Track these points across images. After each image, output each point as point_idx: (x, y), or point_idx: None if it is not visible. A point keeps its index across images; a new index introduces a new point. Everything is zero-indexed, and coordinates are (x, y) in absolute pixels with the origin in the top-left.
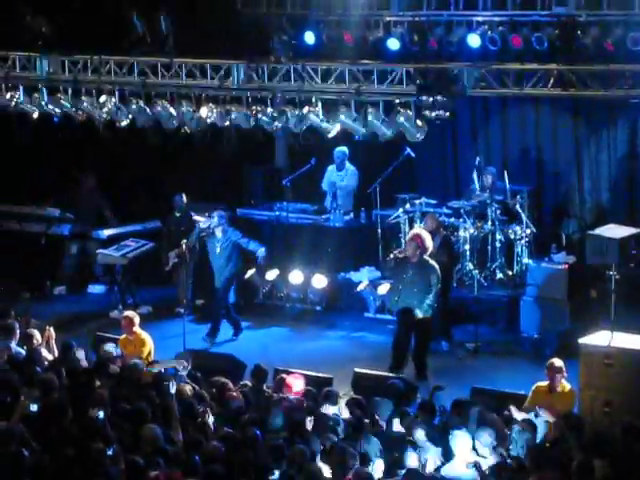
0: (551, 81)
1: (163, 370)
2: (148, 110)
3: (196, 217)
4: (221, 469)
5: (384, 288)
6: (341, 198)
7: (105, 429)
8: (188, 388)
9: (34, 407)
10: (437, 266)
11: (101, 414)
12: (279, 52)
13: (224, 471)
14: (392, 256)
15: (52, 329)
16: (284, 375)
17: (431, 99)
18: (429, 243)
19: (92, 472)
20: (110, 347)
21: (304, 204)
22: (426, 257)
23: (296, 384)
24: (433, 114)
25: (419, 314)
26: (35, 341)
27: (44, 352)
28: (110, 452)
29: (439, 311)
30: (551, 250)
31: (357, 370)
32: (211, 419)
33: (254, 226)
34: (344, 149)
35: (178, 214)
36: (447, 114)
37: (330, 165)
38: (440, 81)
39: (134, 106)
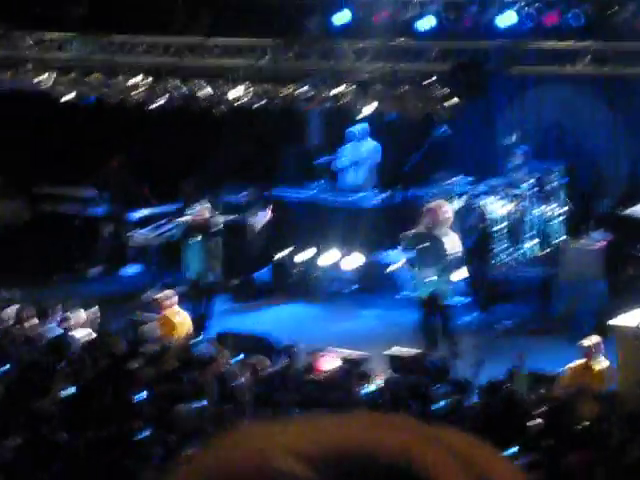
0: (587, 58)
1: (200, 349)
2: (184, 89)
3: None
4: None
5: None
6: (363, 173)
7: (143, 410)
8: (225, 366)
9: (71, 389)
10: (454, 238)
11: (140, 395)
12: (314, 31)
13: None
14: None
15: (91, 310)
16: (319, 355)
17: (466, 77)
18: (448, 215)
19: (129, 453)
20: (148, 328)
21: (338, 183)
22: (442, 230)
23: (331, 363)
24: (467, 92)
25: (441, 292)
26: (74, 323)
27: (83, 333)
28: (147, 433)
29: (476, 288)
30: (587, 228)
31: (392, 349)
32: (247, 397)
33: (288, 206)
34: (364, 125)
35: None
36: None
37: (348, 143)
38: (475, 59)
39: (169, 86)
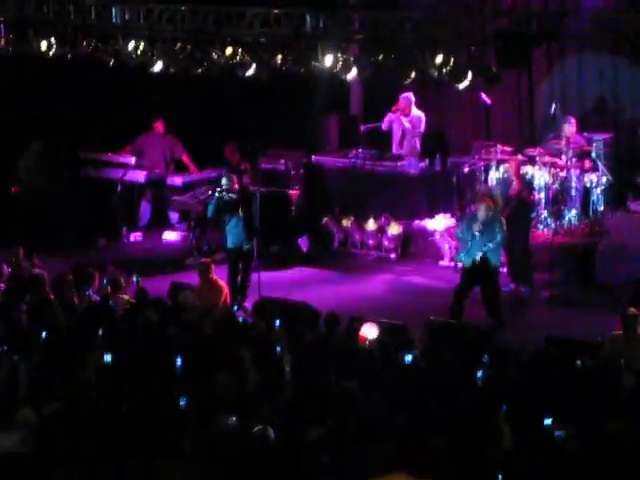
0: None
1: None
2: (223, 59)
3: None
4: (295, 416)
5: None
6: (408, 142)
7: (180, 378)
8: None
9: (108, 357)
10: (504, 223)
11: (178, 362)
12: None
13: (298, 418)
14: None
15: (132, 276)
16: (358, 323)
17: (507, 46)
18: (500, 201)
19: (165, 422)
20: (187, 295)
21: (380, 151)
22: (496, 215)
23: (372, 332)
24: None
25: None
26: (118, 289)
27: (123, 300)
28: (183, 402)
29: (519, 257)
30: (628, 198)
31: (432, 318)
32: (287, 366)
33: (329, 173)
34: (410, 95)
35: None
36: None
37: (393, 109)
38: (516, 28)
39: (209, 54)
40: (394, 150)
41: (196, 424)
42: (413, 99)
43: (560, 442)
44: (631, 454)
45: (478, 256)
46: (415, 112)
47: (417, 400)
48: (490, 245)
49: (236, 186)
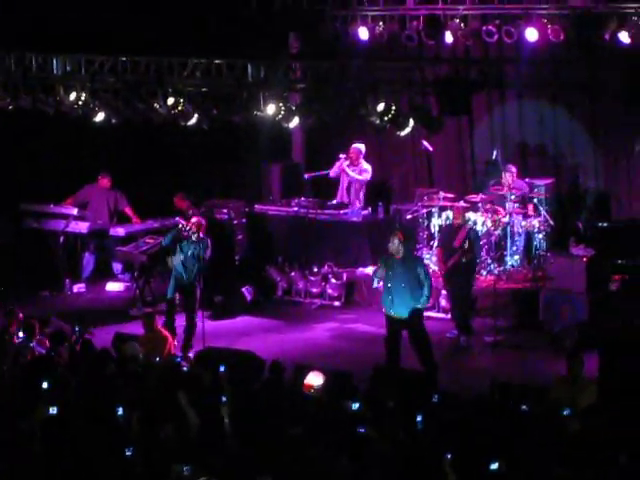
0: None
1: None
2: (165, 109)
3: (178, 219)
4: (240, 466)
5: None
6: (355, 192)
7: (125, 428)
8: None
9: (53, 410)
10: (421, 259)
11: (120, 411)
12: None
13: (244, 467)
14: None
15: (76, 328)
16: (305, 371)
17: (448, 93)
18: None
19: (111, 473)
20: (131, 346)
21: (323, 200)
22: (409, 251)
23: (316, 379)
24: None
25: (420, 306)
26: (58, 340)
27: (66, 350)
28: (129, 452)
29: (459, 305)
30: (570, 243)
31: (377, 365)
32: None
33: (272, 221)
34: (361, 146)
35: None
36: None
37: (341, 157)
38: (457, 75)
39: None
40: (339, 198)
41: (143, 474)
42: (363, 150)
43: None
44: None
45: (405, 309)
46: (364, 164)
47: (362, 447)
48: (420, 290)
49: (194, 228)
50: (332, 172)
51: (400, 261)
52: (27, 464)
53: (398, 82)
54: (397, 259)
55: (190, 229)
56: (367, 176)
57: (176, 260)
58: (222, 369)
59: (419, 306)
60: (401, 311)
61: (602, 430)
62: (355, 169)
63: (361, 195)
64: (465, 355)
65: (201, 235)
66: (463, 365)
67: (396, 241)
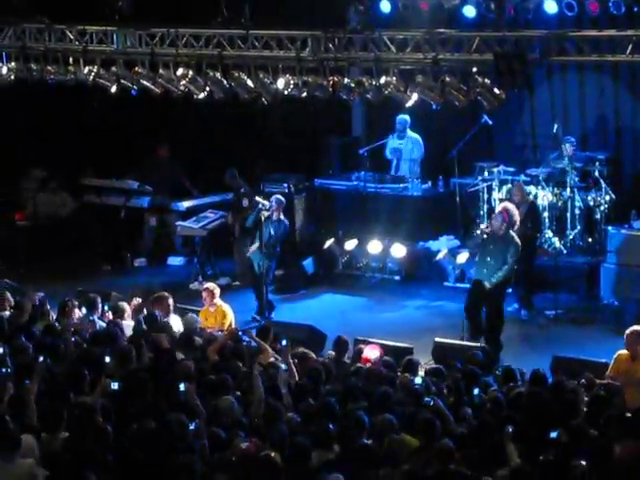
0: (629, 47)
1: (245, 341)
2: (225, 82)
3: (258, 199)
4: (301, 440)
5: (463, 257)
6: (404, 166)
7: (188, 402)
8: (267, 358)
9: (115, 385)
10: (519, 241)
11: (182, 386)
12: (355, 22)
13: (303, 442)
14: (479, 232)
15: (137, 302)
16: (362, 345)
17: (508, 67)
18: (516, 217)
19: (175, 446)
20: (192, 319)
21: (382, 174)
22: (512, 232)
23: (373, 354)
24: (510, 82)
25: (487, 285)
26: (124, 314)
27: (128, 326)
28: (193, 426)
29: (521, 279)
30: (631, 216)
31: (437, 339)
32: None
33: (332, 196)
34: (405, 117)
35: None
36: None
37: (392, 134)
38: (517, 49)
39: (211, 78)
40: (393, 172)
41: (207, 449)
42: (409, 121)
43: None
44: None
45: (480, 275)
46: (412, 135)
47: (424, 422)
48: (499, 269)
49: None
50: (387, 151)
51: (498, 238)
52: (89, 439)
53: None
54: (495, 237)
55: (271, 208)
56: (417, 149)
57: (253, 246)
58: (284, 342)
59: (493, 280)
60: (487, 276)
61: None
62: (402, 142)
63: (415, 168)
64: (526, 329)
65: (281, 217)
66: (524, 339)
67: (500, 219)
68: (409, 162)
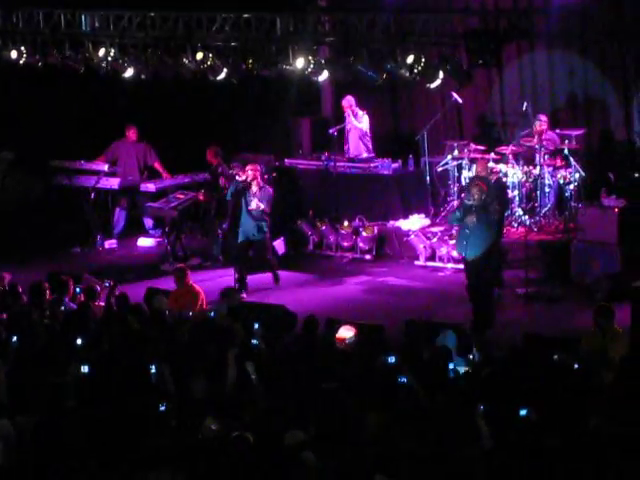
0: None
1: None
2: (195, 63)
3: (233, 172)
4: (274, 421)
5: (434, 236)
6: (353, 142)
7: (159, 384)
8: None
9: (85, 368)
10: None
11: (153, 368)
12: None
13: (276, 423)
14: (456, 204)
15: (111, 283)
16: (336, 324)
17: (478, 45)
18: (493, 192)
19: (146, 428)
20: (163, 300)
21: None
22: (488, 200)
23: (348, 334)
24: (480, 60)
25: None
26: (96, 296)
27: (99, 307)
28: (163, 408)
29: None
30: (601, 194)
31: (409, 318)
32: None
33: (302, 176)
34: (350, 97)
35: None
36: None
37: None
38: (487, 27)
39: (179, 60)
40: (353, 151)
41: (176, 430)
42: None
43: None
44: (610, 450)
45: (480, 250)
46: (358, 112)
47: (395, 401)
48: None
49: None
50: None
51: (479, 208)
52: (61, 420)
53: (427, 34)
54: (477, 206)
55: (246, 179)
56: (364, 125)
57: (243, 216)
58: (256, 326)
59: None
60: (474, 252)
61: (635, 381)
62: (357, 119)
63: (362, 145)
64: (496, 307)
65: (260, 184)
66: (496, 317)
67: (476, 190)
68: (357, 139)
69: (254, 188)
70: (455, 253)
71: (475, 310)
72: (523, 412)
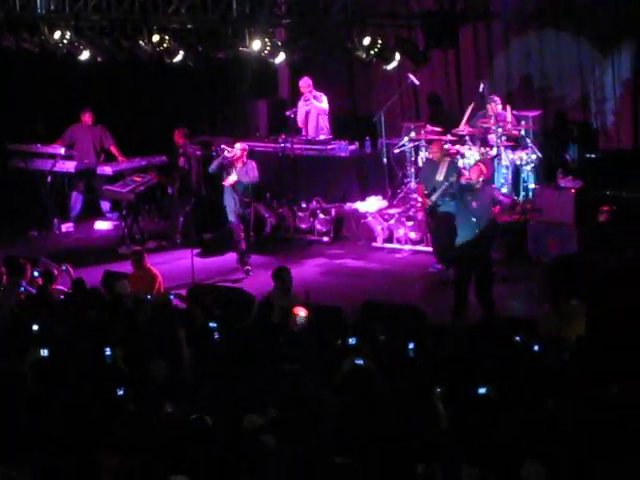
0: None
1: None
2: (150, 46)
3: (223, 146)
4: (231, 403)
5: (391, 218)
6: (313, 123)
7: (116, 367)
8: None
9: (45, 352)
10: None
11: (108, 351)
12: None
13: (234, 405)
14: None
15: (69, 266)
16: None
17: (434, 26)
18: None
19: (104, 412)
20: (121, 283)
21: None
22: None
23: (304, 315)
24: (436, 42)
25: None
26: (53, 280)
27: (56, 290)
28: (121, 392)
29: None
30: (557, 175)
31: (366, 300)
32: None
33: (259, 158)
34: (307, 79)
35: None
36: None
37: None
38: (443, 8)
39: (135, 42)
40: (312, 133)
41: (134, 413)
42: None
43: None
44: (570, 430)
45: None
46: (316, 93)
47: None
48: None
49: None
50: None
51: (475, 192)
52: (19, 406)
53: (383, 15)
54: (473, 190)
55: (234, 156)
56: (323, 105)
57: (226, 190)
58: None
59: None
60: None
61: (592, 361)
62: (317, 100)
63: (320, 126)
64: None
65: (245, 160)
66: (451, 299)
67: (474, 175)
68: (315, 119)
69: (239, 164)
70: (413, 235)
71: (457, 296)
72: (482, 390)
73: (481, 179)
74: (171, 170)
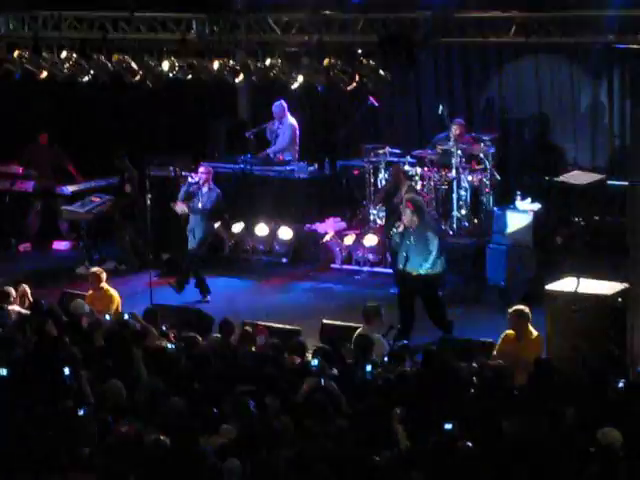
0: (513, 29)
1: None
2: (109, 65)
3: (185, 173)
4: (185, 424)
5: (350, 239)
6: (279, 148)
7: (78, 388)
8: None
9: (3, 371)
10: (433, 229)
11: (67, 371)
12: (240, 4)
13: (189, 425)
14: (396, 231)
15: (26, 286)
16: (248, 328)
17: (393, 48)
18: (422, 203)
19: (64, 432)
20: (78, 304)
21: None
22: (425, 221)
23: (263, 337)
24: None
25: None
26: (10, 299)
27: (13, 311)
28: (82, 412)
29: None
30: (516, 197)
31: (325, 321)
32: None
33: (218, 179)
34: (281, 102)
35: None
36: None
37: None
38: (402, 30)
39: (95, 62)
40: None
41: (94, 434)
42: (285, 106)
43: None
44: (527, 451)
45: (423, 269)
46: (289, 119)
47: (314, 404)
48: (430, 257)
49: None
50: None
51: (416, 230)
52: None
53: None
54: (412, 230)
55: (199, 181)
56: (292, 133)
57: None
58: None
59: (428, 265)
60: (415, 265)
61: (549, 384)
62: (280, 125)
63: (288, 153)
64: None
65: (211, 185)
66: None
67: (408, 212)
68: (286, 146)
69: (205, 189)
70: (371, 256)
71: (402, 317)
72: (448, 426)
73: (415, 217)
74: (118, 197)
